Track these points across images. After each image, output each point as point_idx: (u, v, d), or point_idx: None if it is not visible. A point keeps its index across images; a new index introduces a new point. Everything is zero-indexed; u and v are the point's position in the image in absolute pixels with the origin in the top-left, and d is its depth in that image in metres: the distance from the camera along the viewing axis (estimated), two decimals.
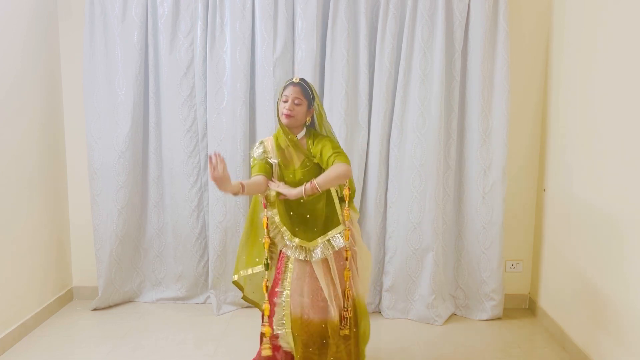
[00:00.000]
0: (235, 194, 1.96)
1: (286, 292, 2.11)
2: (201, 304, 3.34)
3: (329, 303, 2.10)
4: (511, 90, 3.00)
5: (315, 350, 2.11)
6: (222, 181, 1.87)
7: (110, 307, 3.27)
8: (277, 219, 2.13)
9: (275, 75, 3.04)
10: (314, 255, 2.11)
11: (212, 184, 3.13)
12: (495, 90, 2.98)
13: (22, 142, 2.89)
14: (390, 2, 2.94)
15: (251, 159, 2.21)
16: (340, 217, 2.16)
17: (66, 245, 3.36)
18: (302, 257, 2.11)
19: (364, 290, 2.28)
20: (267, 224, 2.13)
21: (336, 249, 2.13)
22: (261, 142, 2.21)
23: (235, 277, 2.25)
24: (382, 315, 3.19)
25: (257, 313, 3.19)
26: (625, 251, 2.22)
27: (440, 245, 3.10)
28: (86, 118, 3.12)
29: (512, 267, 3.30)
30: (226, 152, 3.09)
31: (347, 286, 2.15)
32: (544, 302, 3.11)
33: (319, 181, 1.99)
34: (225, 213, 3.14)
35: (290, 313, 2.09)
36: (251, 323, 3.07)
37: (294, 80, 2.13)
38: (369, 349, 2.76)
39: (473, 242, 3.12)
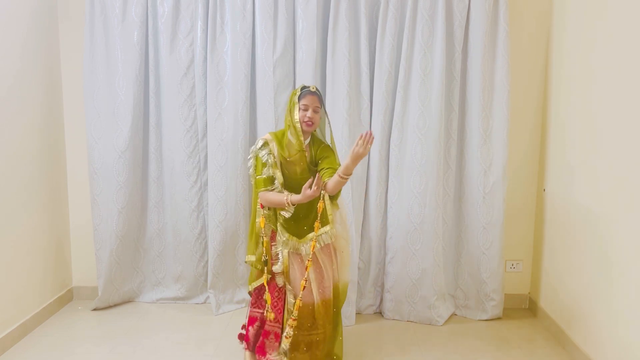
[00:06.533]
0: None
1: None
2: (201, 303, 3.34)
3: (313, 288, 2.31)
4: (511, 90, 3.00)
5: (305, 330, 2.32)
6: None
7: (110, 307, 3.27)
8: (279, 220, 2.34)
9: (276, 75, 3.03)
10: (302, 249, 2.31)
11: (212, 184, 3.13)
12: (496, 90, 2.98)
13: (22, 142, 2.88)
14: (390, 2, 2.94)
15: (252, 159, 2.33)
16: (330, 217, 2.33)
17: (66, 245, 3.36)
18: (292, 250, 2.31)
19: (346, 275, 2.54)
20: (264, 223, 2.32)
21: (323, 245, 2.32)
22: (265, 143, 2.29)
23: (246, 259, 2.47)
24: (383, 316, 3.18)
25: None
26: (624, 251, 2.22)
27: (441, 245, 3.10)
28: (86, 118, 3.12)
29: (512, 267, 3.30)
30: (227, 152, 3.09)
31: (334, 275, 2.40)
32: (544, 302, 3.10)
33: (329, 188, 2.16)
34: (226, 213, 3.14)
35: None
36: None
37: (311, 89, 2.24)
38: (370, 350, 2.77)
39: (473, 242, 3.11)
